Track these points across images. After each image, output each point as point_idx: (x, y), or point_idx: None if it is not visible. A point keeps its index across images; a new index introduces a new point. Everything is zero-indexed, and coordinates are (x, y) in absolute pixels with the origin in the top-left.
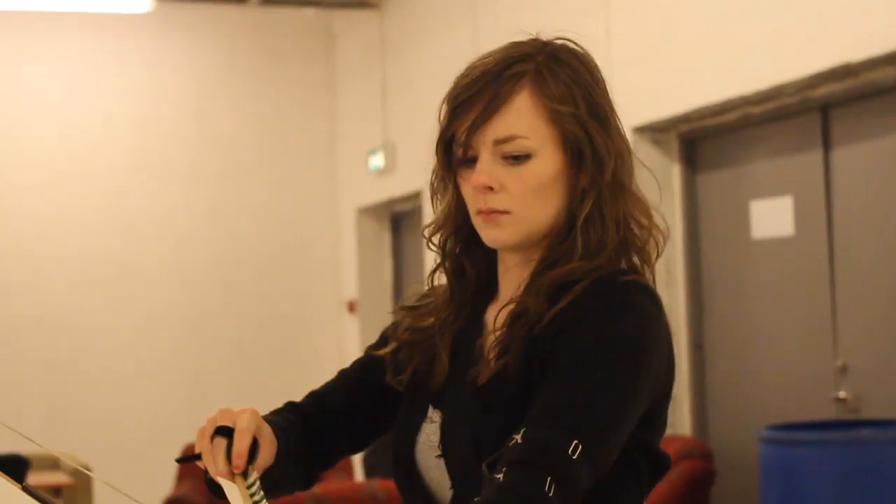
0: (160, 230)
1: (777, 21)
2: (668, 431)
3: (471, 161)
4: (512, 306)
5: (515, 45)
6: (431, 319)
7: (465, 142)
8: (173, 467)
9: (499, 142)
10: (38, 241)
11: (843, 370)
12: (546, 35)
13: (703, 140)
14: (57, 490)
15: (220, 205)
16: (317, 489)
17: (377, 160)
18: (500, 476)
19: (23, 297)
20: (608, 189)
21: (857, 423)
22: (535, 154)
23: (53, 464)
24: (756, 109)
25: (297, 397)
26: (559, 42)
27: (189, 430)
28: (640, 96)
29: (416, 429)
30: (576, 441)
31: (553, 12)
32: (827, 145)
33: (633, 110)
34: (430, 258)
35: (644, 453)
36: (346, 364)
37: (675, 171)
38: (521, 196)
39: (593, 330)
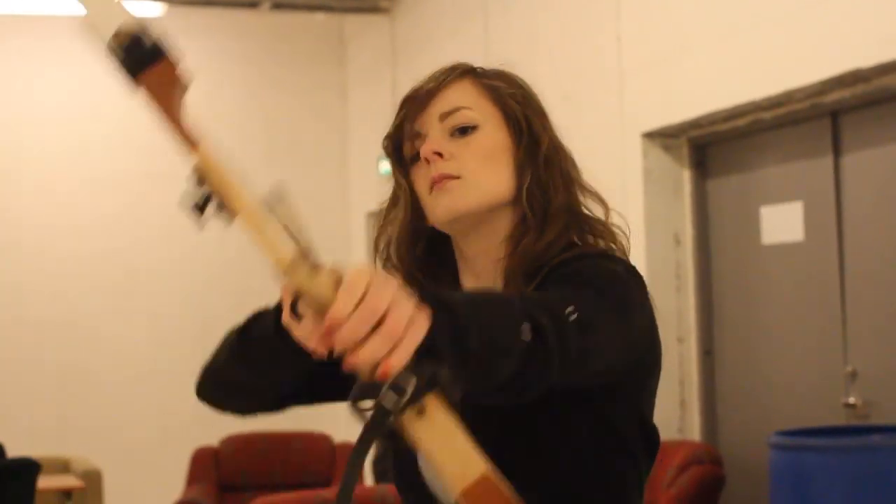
0: (170, 235)
1: (787, 27)
2: (678, 437)
3: (417, 159)
4: None
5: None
6: None
7: (412, 128)
8: (183, 471)
9: (444, 115)
10: (49, 246)
11: (853, 376)
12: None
13: (713, 145)
14: (67, 493)
15: None
16: (326, 493)
17: (387, 165)
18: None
19: (33, 301)
20: (546, 168)
21: (866, 428)
22: (480, 126)
23: (64, 467)
24: (766, 115)
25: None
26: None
27: (199, 434)
28: (650, 102)
29: None
30: (572, 307)
31: (564, 18)
32: (837, 151)
33: (644, 116)
34: None
35: (638, 427)
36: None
37: (686, 177)
38: (470, 162)
39: (586, 267)
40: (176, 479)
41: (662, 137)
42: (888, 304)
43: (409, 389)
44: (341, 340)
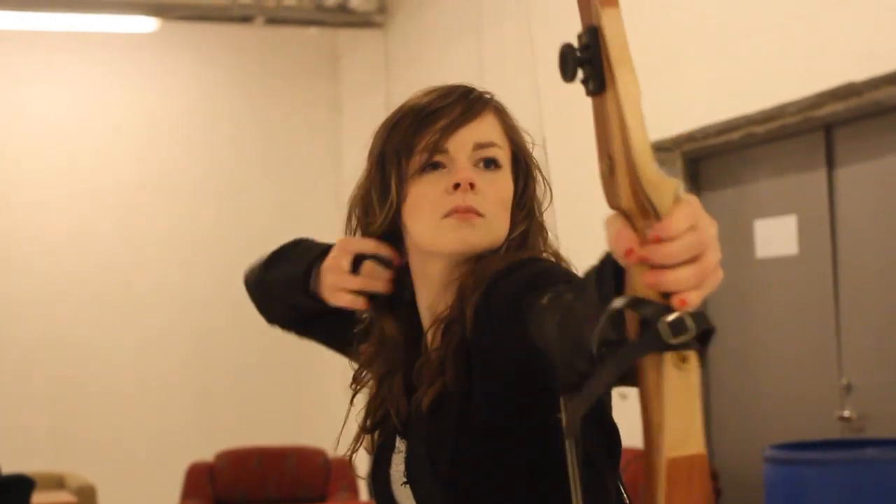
0: (166, 248)
1: (780, 41)
2: None
3: (434, 166)
4: (439, 325)
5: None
6: (379, 368)
7: (436, 145)
8: (178, 486)
9: (479, 146)
10: (44, 259)
11: (848, 389)
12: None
13: (706, 159)
14: None
15: (225, 223)
16: None
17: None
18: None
19: (28, 314)
20: (535, 216)
21: (861, 442)
22: (502, 167)
23: (58, 482)
24: (760, 129)
25: (302, 416)
26: None
27: (194, 446)
28: (644, 115)
29: (388, 461)
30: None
31: (557, 31)
32: (830, 164)
33: None
34: None
35: (596, 427)
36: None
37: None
38: (494, 203)
39: (523, 274)
40: (170, 494)
41: (656, 151)
42: (882, 317)
43: (692, 332)
44: (662, 254)
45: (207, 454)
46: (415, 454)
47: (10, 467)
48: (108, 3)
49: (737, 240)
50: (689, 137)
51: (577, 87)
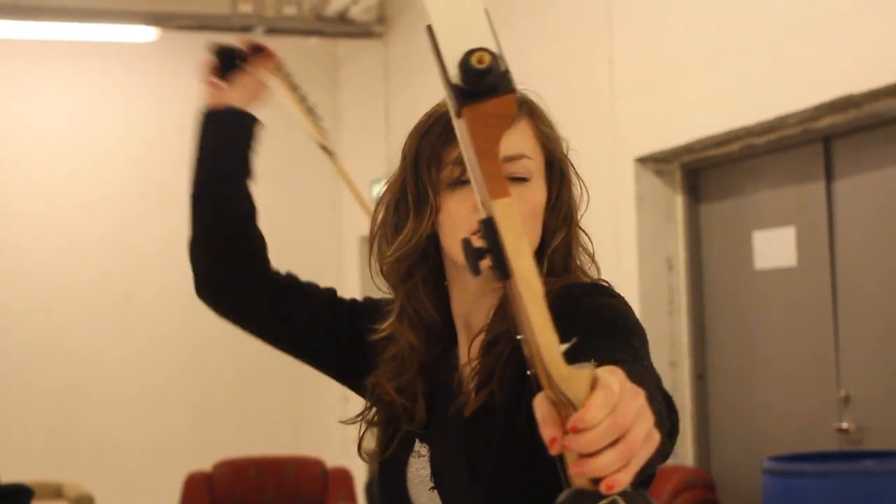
0: (164, 257)
1: (780, 52)
2: (671, 461)
3: (465, 182)
4: (483, 336)
5: None
6: (398, 376)
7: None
8: (176, 495)
9: (509, 158)
10: (43, 268)
11: (846, 401)
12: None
13: (705, 170)
14: None
15: None
16: None
17: (381, 189)
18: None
19: (26, 323)
20: (572, 223)
21: (859, 454)
22: (532, 179)
23: (56, 492)
24: (759, 140)
25: (299, 424)
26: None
27: (192, 456)
28: (643, 127)
29: (403, 463)
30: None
31: (556, 43)
32: (829, 176)
33: (636, 141)
34: None
35: None
36: (348, 392)
37: (678, 202)
38: (524, 217)
39: (593, 302)
40: (169, 502)
41: (655, 162)
42: (881, 328)
43: None
44: (581, 444)
45: (205, 464)
46: (446, 459)
47: (9, 476)
48: (108, 12)
49: (736, 251)
50: (688, 149)
51: (575, 94)
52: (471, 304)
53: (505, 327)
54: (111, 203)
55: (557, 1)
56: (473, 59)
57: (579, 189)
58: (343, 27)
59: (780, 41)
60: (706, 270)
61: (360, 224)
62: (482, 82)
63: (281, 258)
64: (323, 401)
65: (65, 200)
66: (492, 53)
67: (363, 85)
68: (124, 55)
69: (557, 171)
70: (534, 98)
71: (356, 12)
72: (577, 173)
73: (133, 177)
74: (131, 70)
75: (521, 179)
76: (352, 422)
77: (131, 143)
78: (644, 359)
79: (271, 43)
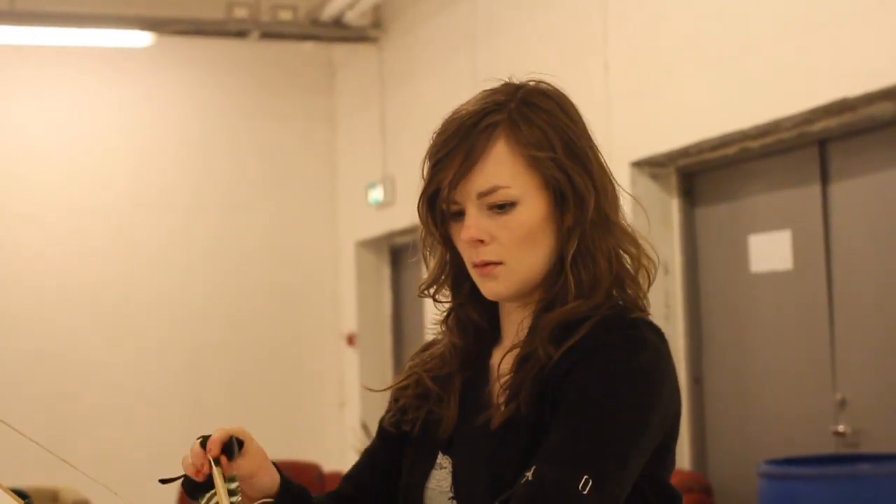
0: (160, 264)
1: (775, 57)
2: None
3: (459, 215)
4: (517, 350)
5: (488, 94)
6: (438, 370)
7: (448, 197)
8: (173, 500)
9: (482, 194)
10: (39, 274)
11: (842, 404)
12: (522, 76)
13: (701, 174)
14: None
15: (221, 238)
16: None
17: (377, 193)
18: None
19: (23, 330)
20: (593, 226)
21: (856, 457)
22: (519, 201)
23: (53, 497)
24: (754, 144)
25: (296, 429)
26: (532, 84)
27: None
28: (638, 131)
29: (425, 476)
30: (586, 476)
31: (552, 47)
32: (825, 180)
33: (632, 145)
34: None
35: (656, 490)
36: (345, 397)
37: (674, 206)
38: (511, 245)
39: (605, 364)
40: None
41: (650, 166)
42: (877, 332)
43: None
44: None
45: None
46: (468, 472)
47: (5, 482)
48: (103, 17)
49: (731, 255)
50: (684, 152)
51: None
52: (504, 317)
53: (537, 344)
54: (107, 208)
55: (553, 5)
56: None
57: (612, 184)
58: (338, 32)
59: (775, 45)
60: (702, 274)
61: (356, 229)
62: None
63: (279, 266)
64: (319, 406)
65: (61, 206)
66: None
67: (359, 89)
68: (120, 60)
69: (554, 186)
70: (533, 96)
71: (352, 17)
72: (587, 170)
73: (129, 183)
74: (127, 75)
75: (504, 207)
76: (382, 390)
77: (127, 148)
78: (580, 465)
79: (266, 48)
